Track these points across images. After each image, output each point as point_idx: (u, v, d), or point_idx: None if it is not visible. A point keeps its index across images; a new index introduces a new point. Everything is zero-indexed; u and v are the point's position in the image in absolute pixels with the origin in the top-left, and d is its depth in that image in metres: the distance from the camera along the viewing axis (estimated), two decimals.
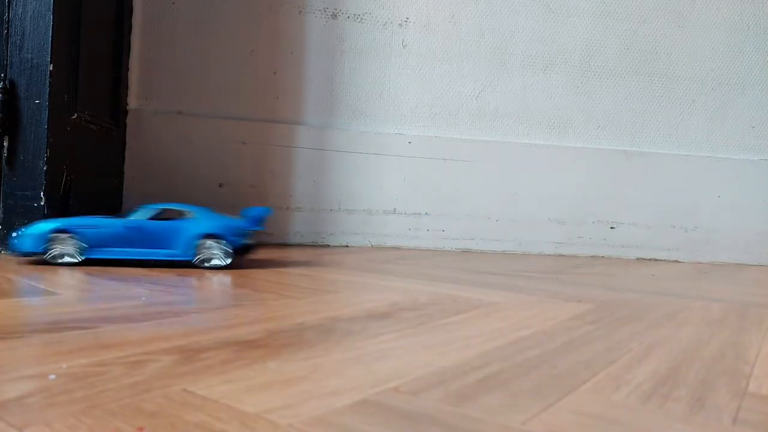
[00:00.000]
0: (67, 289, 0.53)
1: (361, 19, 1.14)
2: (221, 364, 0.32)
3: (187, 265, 0.70)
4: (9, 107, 0.74)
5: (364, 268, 0.82)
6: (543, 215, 1.19)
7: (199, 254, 0.70)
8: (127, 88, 1.05)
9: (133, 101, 1.07)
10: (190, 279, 0.62)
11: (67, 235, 0.66)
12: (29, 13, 0.74)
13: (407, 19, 1.15)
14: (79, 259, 0.67)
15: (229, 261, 0.71)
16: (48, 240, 0.66)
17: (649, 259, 1.20)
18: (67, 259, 0.66)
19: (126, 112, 1.05)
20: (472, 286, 0.68)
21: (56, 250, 0.66)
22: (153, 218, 0.70)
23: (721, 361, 0.39)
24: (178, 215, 0.73)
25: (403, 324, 0.46)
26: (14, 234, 0.67)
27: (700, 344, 0.44)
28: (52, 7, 0.74)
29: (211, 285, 0.59)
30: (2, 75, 0.74)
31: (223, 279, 0.64)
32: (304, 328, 0.43)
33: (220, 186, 1.09)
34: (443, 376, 0.32)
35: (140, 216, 0.70)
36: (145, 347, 0.35)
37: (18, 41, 0.74)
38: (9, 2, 0.74)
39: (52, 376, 0.29)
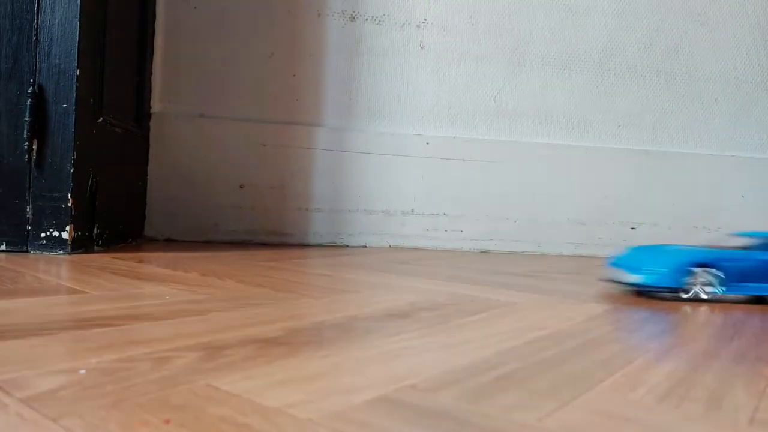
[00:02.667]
0: (95, 288, 0.55)
1: (380, 21, 1.15)
2: (243, 361, 0.33)
3: None
4: (38, 111, 0.76)
5: (383, 268, 0.83)
6: (562, 216, 1.18)
7: None
8: (150, 91, 1.07)
9: (156, 104, 1.09)
10: (212, 279, 0.64)
11: (707, 268, 0.63)
12: (57, 20, 0.77)
13: (425, 20, 1.16)
14: (720, 292, 0.63)
15: None
16: (689, 274, 0.63)
17: None
18: (709, 295, 0.63)
19: (149, 115, 1.07)
20: (491, 287, 0.68)
21: (697, 284, 0.63)
22: None
23: (740, 362, 0.39)
24: None
25: (421, 323, 0.46)
26: (613, 260, 0.66)
27: (720, 345, 0.44)
28: (78, 14, 0.76)
29: (232, 285, 0.61)
30: (32, 80, 0.76)
31: (244, 278, 0.65)
32: (323, 326, 0.44)
33: (240, 187, 1.10)
34: (460, 374, 0.33)
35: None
36: (171, 344, 0.36)
37: (46, 47, 0.76)
38: (38, 9, 0.76)
39: (83, 371, 0.30)
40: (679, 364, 0.38)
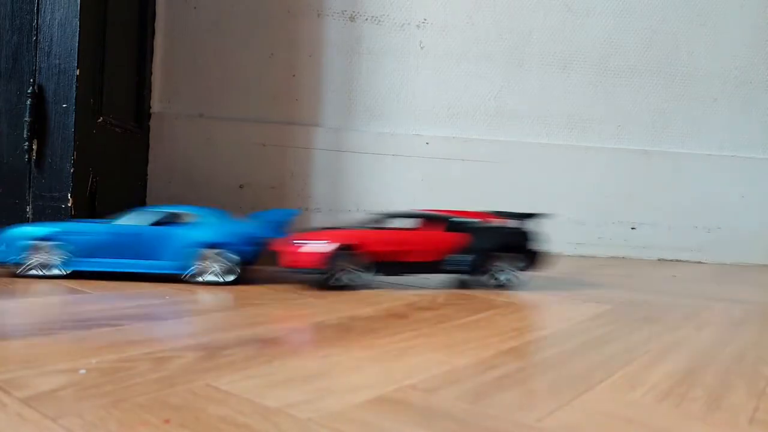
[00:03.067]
0: (95, 287, 0.55)
1: (379, 21, 1.15)
2: (243, 361, 0.33)
3: (177, 279, 0.60)
4: (38, 111, 0.76)
5: None
6: (562, 215, 1.18)
7: (194, 267, 0.59)
8: (150, 91, 1.07)
9: (156, 104, 1.09)
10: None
11: (50, 243, 0.58)
12: (57, 20, 0.76)
13: (425, 20, 1.16)
14: (63, 271, 0.58)
15: (230, 278, 0.60)
16: (28, 248, 0.57)
17: (671, 260, 1.18)
18: (46, 272, 0.58)
19: (149, 115, 1.07)
20: (490, 287, 0.68)
21: (35, 260, 0.58)
22: (153, 223, 0.61)
23: (740, 363, 0.39)
24: (179, 219, 0.63)
25: (421, 323, 0.46)
26: None
27: (720, 345, 0.44)
28: (78, 14, 0.76)
29: (232, 285, 0.61)
30: (31, 80, 0.76)
31: (244, 278, 0.65)
32: (323, 326, 0.44)
33: (240, 187, 1.10)
34: (460, 374, 0.33)
35: (134, 220, 0.61)
36: (170, 344, 0.36)
37: (46, 47, 0.76)
38: (38, 10, 0.76)
39: (83, 371, 0.30)
40: (679, 364, 0.38)
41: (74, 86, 0.77)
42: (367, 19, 1.14)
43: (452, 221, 0.66)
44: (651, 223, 1.20)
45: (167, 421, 0.24)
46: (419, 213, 0.68)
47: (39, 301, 0.47)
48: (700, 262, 1.18)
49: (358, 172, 1.14)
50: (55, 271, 0.58)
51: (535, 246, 0.67)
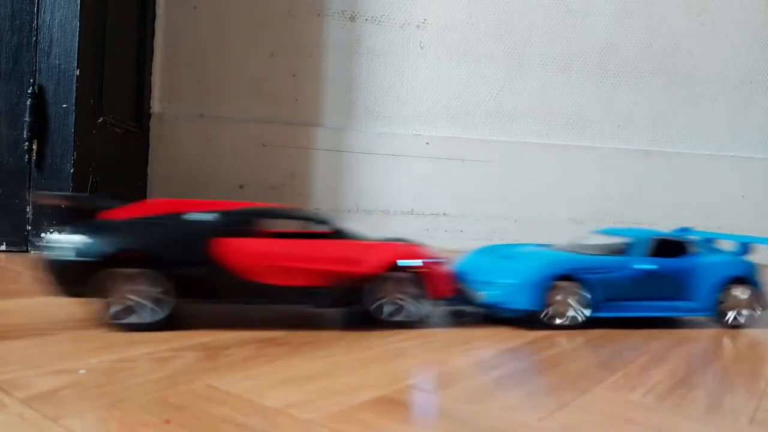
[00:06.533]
0: None
1: (379, 21, 1.15)
2: (243, 361, 0.33)
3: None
4: (38, 112, 0.76)
5: None
6: (562, 215, 1.18)
7: (727, 308, 0.50)
8: (150, 91, 1.07)
9: (156, 105, 1.09)
10: None
11: (571, 283, 0.46)
12: (57, 21, 0.76)
13: (425, 20, 1.16)
14: (581, 319, 0.46)
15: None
16: (547, 291, 0.45)
17: None
18: (562, 321, 0.45)
19: (149, 116, 1.07)
20: None
21: (554, 308, 0.45)
22: (654, 253, 0.50)
23: (740, 363, 0.39)
24: (682, 248, 0.52)
25: (421, 323, 0.46)
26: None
27: (720, 346, 0.44)
28: (78, 14, 0.76)
29: None
30: (31, 81, 0.76)
31: None
32: (323, 326, 0.44)
33: (240, 187, 1.10)
34: (460, 374, 0.33)
35: (636, 249, 0.50)
36: (171, 344, 0.36)
37: (46, 48, 0.76)
38: (38, 10, 0.76)
39: (83, 371, 0.30)
40: (679, 364, 0.38)
41: (74, 86, 0.77)
42: (367, 20, 1.14)
43: None
44: (651, 222, 1.19)
45: (167, 421, 0.24)
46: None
47: (39, 301, 0.47)
48: None
49: (358, 172, 1.14)
50: (575, 320, 0.46)
51: None
